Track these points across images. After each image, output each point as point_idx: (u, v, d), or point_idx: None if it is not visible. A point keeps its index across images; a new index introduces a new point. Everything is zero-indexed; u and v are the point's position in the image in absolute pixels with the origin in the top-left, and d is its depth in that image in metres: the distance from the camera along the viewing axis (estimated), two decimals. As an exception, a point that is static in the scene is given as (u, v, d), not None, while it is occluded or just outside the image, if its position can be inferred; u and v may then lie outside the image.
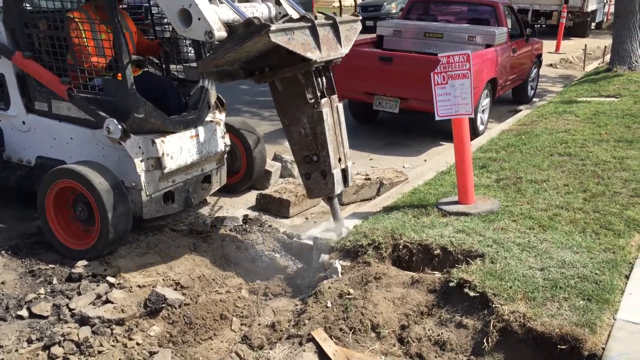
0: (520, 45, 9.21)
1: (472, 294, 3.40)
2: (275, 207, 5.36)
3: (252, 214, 5.24)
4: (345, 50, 4.25)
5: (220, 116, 5.23)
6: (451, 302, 3.50)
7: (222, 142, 5.05)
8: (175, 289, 3.91)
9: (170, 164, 4.50)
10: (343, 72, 7.81)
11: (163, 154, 4.43)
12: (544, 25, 19.31)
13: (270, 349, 3.36)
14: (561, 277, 3.49)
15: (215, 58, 3.90)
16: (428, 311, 3.53)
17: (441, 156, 6.76)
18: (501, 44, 8.35)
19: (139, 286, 3.86)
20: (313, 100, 4.11)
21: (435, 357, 3.20)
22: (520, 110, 9.09)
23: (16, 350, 3.35)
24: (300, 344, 3.29)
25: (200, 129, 4.80)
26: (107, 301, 3.69)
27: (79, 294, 3.82)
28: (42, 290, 3.91)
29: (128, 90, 4.28)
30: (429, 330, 3.35)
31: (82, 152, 4.53)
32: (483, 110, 7.98)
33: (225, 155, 5.23)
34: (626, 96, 8.81)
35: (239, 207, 5.51)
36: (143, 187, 4.40)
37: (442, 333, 3.31)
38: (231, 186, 5.62)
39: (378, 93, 7.67)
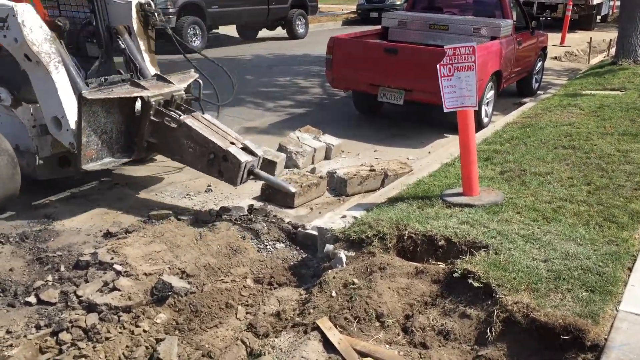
0: (525, 37, 9.18)
1: (476, 284, 3.42)
2: (280, 197, 5.38)
3: (257, 204, 5.27)
4: (181, 85, 5.17)
5: None
6: (455, 292, 3.53)
7: None
8: (182, 278, 3.95)
9: None
10: (348, 64, 7.84)
11: None
12: (549, 18, 19.20)
13: (276, 337, 3.39)
14: (565, 268, 3.51)
15: (83, 153, 4.60)
16: (432, 301, 3.56)
17: (445, 148, 6.77)
18: (506, 36, 8.33)
19: (145, 274, 3.89)
20: (176, 123, 4.87)
21: (439, 346, 3.23)
22: (525, 103, 9.08)
23: (25, 336, 3.39)
24: (305, 332, 3.33)
25: None
26: (114, 289, 3.74)
27: (87, 281, 3.87)
28: (49, 278, 3.96)
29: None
30: (432, 320, 3.38)
31: None
32: (487, 103, 7.97)
33: None
34: (631, 89, 8.79)
35: (244, 197, 5.54)
36: (36, 151, 4.93)
37: (445, 323, 3.34)
38: None
39: (383, 84, 7.66)
